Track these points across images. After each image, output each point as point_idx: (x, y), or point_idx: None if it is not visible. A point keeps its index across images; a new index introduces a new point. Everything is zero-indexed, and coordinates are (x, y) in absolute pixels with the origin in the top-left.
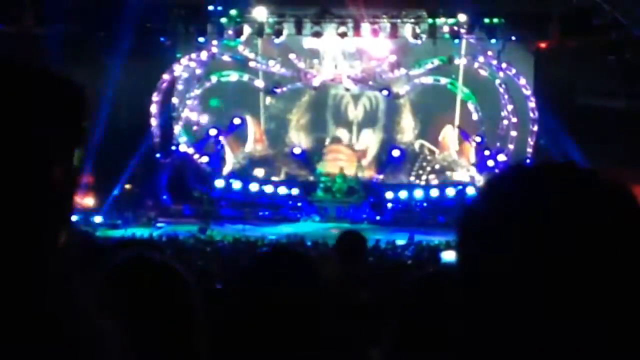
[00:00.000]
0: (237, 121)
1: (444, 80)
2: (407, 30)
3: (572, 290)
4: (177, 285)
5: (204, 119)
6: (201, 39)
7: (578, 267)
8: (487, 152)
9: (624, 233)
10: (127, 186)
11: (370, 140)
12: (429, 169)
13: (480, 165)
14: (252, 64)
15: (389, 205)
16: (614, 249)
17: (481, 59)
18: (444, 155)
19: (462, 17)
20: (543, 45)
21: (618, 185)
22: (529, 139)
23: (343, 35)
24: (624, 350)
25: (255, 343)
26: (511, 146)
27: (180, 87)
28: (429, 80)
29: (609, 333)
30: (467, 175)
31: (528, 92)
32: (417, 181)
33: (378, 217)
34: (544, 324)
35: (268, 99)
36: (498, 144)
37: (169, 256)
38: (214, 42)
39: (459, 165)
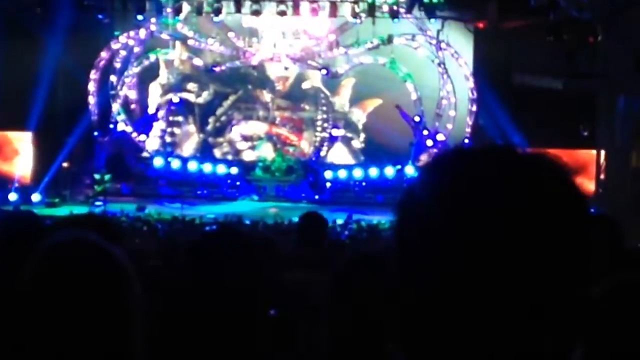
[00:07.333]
0: (175, 99)
1: (382, 60)
2: (346, 9)
3: (507, 276)
4: (113, 268)
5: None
6: (140, 17)
7: (514, 251)
8: (425, 132)
9: (564, 215)
10: (65, 164)
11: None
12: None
13: (419, 145)
14: (190, 42)
15: (328, 184)
16: (554, 231)
17: (420, 38)
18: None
19: None
20: (482, 25)
21: (558, 167)
22: (468, 119)
23: (282, 13)
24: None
25: (198, 322)
26: (450, 126)
27: (118, 65)
28: (368, 59)
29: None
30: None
31: (467, 72)
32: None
33: (317, 197)
34: (473, 308)
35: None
36: (437, 124)
37: (105, 236)
38: (153, 20)
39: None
